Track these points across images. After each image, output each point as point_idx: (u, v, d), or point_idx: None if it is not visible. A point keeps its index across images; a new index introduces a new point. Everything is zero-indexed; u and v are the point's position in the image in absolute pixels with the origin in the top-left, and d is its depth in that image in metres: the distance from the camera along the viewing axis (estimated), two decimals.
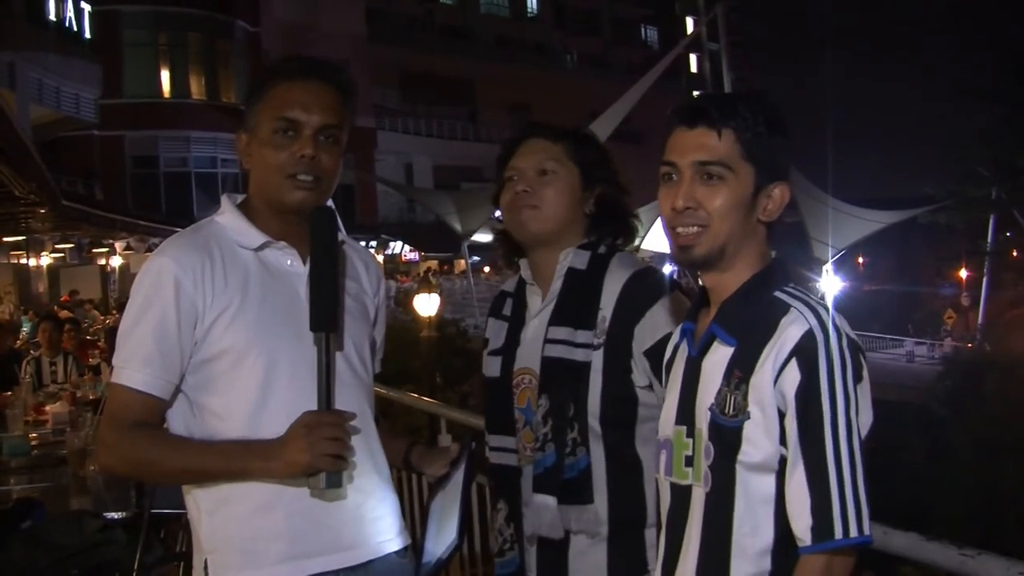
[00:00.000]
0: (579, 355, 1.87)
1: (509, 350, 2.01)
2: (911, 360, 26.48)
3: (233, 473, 1.68)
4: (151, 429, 1.70)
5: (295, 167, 1.72)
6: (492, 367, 2.04)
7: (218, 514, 1.71)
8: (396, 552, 1.82)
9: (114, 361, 1.72)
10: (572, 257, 1.95)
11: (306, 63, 1.77)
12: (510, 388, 1.99)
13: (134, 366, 1.68)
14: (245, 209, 1.79)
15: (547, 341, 1.91)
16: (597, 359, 1.88)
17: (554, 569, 1.91)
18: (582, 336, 1.88)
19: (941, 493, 14.30)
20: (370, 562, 1.77)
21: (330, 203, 1.80)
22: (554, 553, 1.90)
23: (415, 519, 3.66)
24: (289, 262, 1.77)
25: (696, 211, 1.52)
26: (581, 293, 1.92)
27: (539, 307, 1.99)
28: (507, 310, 2.07)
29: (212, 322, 1.69)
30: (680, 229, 1.53)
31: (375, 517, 1.79)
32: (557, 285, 1.95)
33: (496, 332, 2.06)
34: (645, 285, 1.88)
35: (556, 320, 1.92)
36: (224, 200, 1.81)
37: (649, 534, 1.86)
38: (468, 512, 1.81)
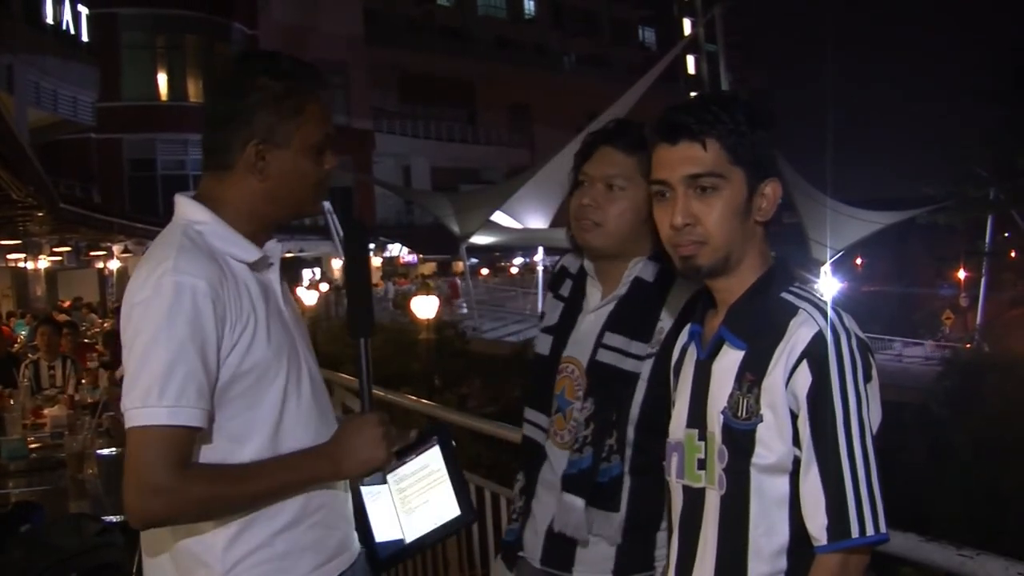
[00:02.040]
0: (629, 364, 1.89)
1: (561, 333, 2.04)
2: (899, 361, 26.47)
3: (300, 485, 1.66)
4: (200, 464, 1.60)
5: (327, 179, 1.74)
6: (543, 345, 2.07)
7: (242, 538, 1.64)
8: (361, 547, 1.84)
9: (155, 400, 1.53)
10: (641, 267, 1.96)
11: (320, 73, 1.75)
12: (555, 370, 2.02)
13: (189, 402, 1.53)
14: (219, 215, 1.70)
15: (600, 345, 1.93)
16: (645, 369, 1.90)
17: (561, 556, 1.94)
18: (636, 347, 1.90)
19: (941, 493, 14.30)
20: (355, 560, 1.79)
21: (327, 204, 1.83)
22: (563, 542, 1.93)
23: None
24: (270, 275, 1.76)
25: (694, 227, 1.52)
26: (643, 304, 1.93)
27: (598, 303, 2.01)
28: (565, 291, 2.09)
29: (235, 343, 1.61)
30: (681, 247, 1.54)
31: (351, 514, 1.82)
32: (622, 291, 1.97)
33: (551, 309, 2.10)
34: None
35: (613, 327, 1.94)
36: (196, 206, 1.70)
37: (660, 536, 1.90)
38: (466, 487, 1.82)
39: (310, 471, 1.66)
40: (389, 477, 1.82)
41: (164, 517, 1.59)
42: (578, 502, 1.89)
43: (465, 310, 28.08)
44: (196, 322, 1.55)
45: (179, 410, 1.53)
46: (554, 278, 2.16)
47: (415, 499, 1.79)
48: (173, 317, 1.54)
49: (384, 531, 1.80)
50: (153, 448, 1.53)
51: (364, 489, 1.82)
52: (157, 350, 1.53)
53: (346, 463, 1.67)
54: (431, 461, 1.81)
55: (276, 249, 1.78)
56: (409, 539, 1.79)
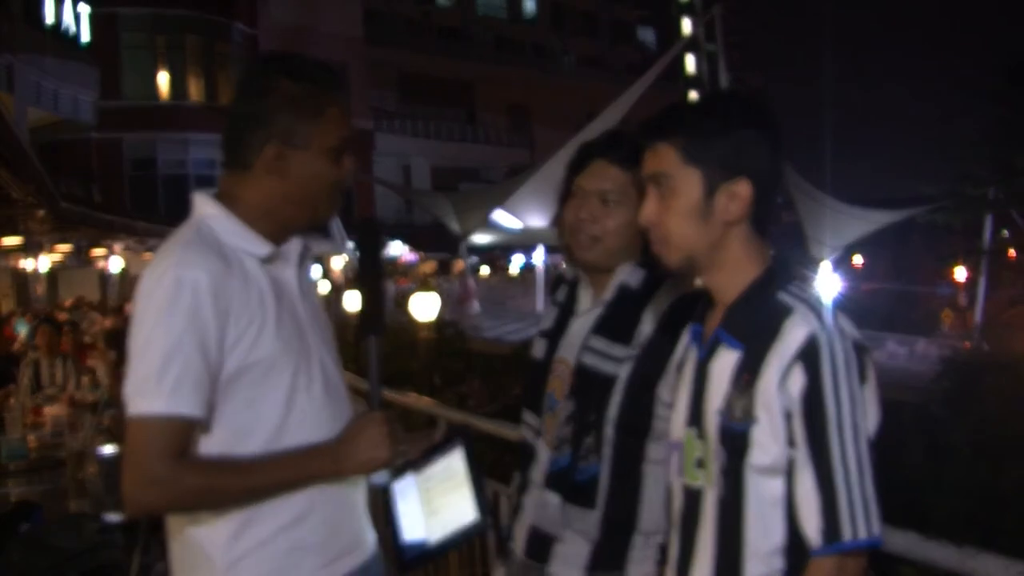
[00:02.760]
0: (609, 367, 1.93)
1: (555, 336, 2.09)
2: (892, 359, 26.43)
3: (299, 482, 1.65)
4: (198, 456, 1.61)
5: (344, 181, 1.75)
6: (538, 348, 2.12)
7: (245, 534, 1.65)
8: (377, 546, 1.86)
9: (152, 389, 1.56)
10: (628, 273, 1.99)
11: (339, 76, 1.76)
12: (547, 372, 2.07)
13: (185, 392, 1.56)
14: (233, 213, 1.71)
15: (585, 347, 1.97)
16: (624, 371, 1.92)
17: (540, 549, 1.99)
18: (617, 350, 1.93)
19: (939, 493, 14.30)
20: (368, 559, 1.80)
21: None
22: (542, 536, 1.99)
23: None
24: (285, 271, 1.76)
25: (655, 227, 1.57)
26: (627, 309, 1.96)
27: (587, 307, 2.05)
28: (561, 296, 2.15)
29: (240, 335, 1.62)
30: (653, 245, 1.60)
31: (364, 512, 1.83)
32: (608, 295, 2.00)
33: (548, 314, 2.16)
34: (691, 306, 1.88)
35: (598, 330, 1.98)
36: (210, 202, 1.72)
37: (636, 539, 1.92)
38: (484, 490, 1.81)
39: (309, 468, 1.65)
40: (417, 476, 1.82)
41: (158, 506, 1.63)
42: (554, 498, 1.94)
43: (477, 310, 28.00)
44: (195, 314, 1.57)
45: (175, 400, 1.56)
46: (553, 285, 2.21)
47: (438, 500, 1.80)
48: (171, 309, 1.57)
49: (411, 531, 1.80)
50: (149, 437, 1.56)
51: (396, 487, 1.82)
52: (155, 341, 1.57)
53: (347, 462, 1.66)
54: (454, 462, 1.81)
55: (295, 247, 1.79)
56: (431, 541, 1.78)
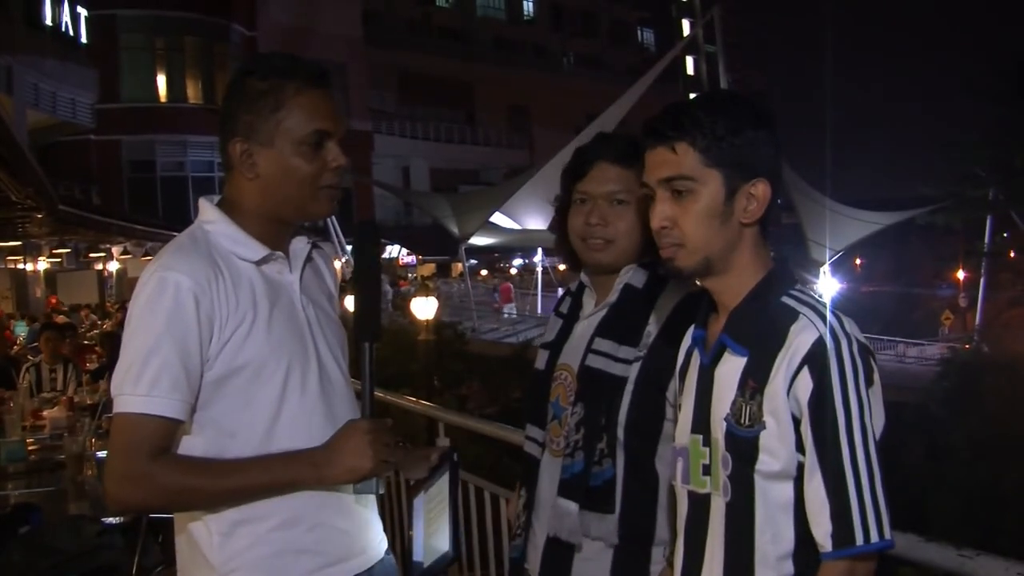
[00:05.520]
0: (617, 369, 1.90)
1: (557, 346, 2.07)
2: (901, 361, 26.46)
3: (279, 487, 1.64)
4: (178, 455, 1.62)
5: (330, 178, 1.71)
6: (540, 359, 2.09)
7: (236, 535, 1.65)
8: (387, 552, 1.85)
9: (130, 389, 1.58)
10: (632, 274, 1.97)
11: (315, 69, 1.72)
12: (550, 381, 2.04)
13: (161, 392, 1.57)
14: (232, 216, 1.72)
15: (590, 351, 1.94)
16: (633, 372, 1.90)
17: (558, 563, 1.94)
18: (624, 352, 1.90)
19: (939, 493, 14.30)
20: (373, 565, 1.79)
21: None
22: (561, 553, 1.93)
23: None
24: (282, 272, 1.75)
25: (672, 230, 1.53)
26: (633, 310, 1.94)
27: (591, 310, 2.03)
28: (564, 308, 2.13)
29: (228, 339, 1.62)
30: (662, 250, 1.55)
31: (374, 519, 1.82)
32: (613, 298, 1.98)
33: (552, 327, 2.13)
34: (695, 306, 1.85)
35: (602, 332, 1.95)
36: (209, 207, 1.74)
37: (656, 551, 1.89)
38: (459, 522, 1.81)
39: (290, 473, 1.64)
40: (425, 496, 1.82)
41: (135, 503, 1.68)
42: (572, 506, 1.89)
43: (513, 313, 27.94)
44: (176, 315, 1.58)
45: (152, 399, 1.57)
46: (559, 300, 2.19)
47: (434, 523, 1.80)
48: (152, 310, 1.59)
49: (417, 550, 1.80)
50: (126, 435, 1.58)
51: (416, 503, 1.82)
52: (135, 341, 1.59)
53: (329, 469, 1.64)
54: (443, 487, 1.81)
55: (300, 249, 1.79)
56: (426, 564, 1.78)
